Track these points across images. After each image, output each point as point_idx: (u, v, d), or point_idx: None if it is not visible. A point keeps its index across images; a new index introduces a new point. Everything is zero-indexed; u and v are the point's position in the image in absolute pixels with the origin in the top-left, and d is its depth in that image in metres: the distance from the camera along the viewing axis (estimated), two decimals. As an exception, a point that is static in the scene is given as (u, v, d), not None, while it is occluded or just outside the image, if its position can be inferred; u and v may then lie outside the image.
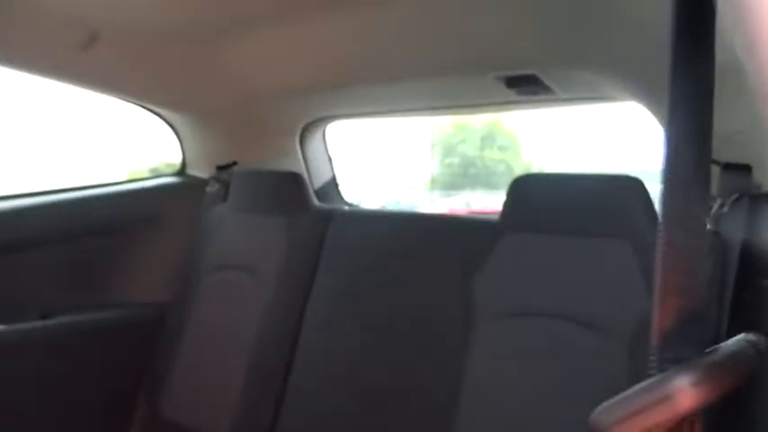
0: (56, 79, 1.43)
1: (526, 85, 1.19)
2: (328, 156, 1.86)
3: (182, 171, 1.82)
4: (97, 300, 1.62)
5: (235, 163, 1.76)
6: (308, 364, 1.35)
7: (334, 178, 1.86)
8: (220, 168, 1.77)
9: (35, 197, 1.57)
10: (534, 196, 1.15)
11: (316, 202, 1.56)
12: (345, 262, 1.39)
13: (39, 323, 1.50)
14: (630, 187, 1.04)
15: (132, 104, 1.65)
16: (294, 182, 1.53)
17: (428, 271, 1.23)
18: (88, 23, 1.23)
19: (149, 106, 1.67)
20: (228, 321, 1.51)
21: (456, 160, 8.48)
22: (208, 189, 1.74)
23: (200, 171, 1.80)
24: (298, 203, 1.51)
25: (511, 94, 1.24)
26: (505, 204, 1.18)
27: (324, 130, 1.82)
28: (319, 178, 1.83)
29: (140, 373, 1.62)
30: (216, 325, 1.53)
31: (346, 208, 1.50)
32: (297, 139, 1.78)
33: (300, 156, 1.79)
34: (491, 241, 1.16)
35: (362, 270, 1.35)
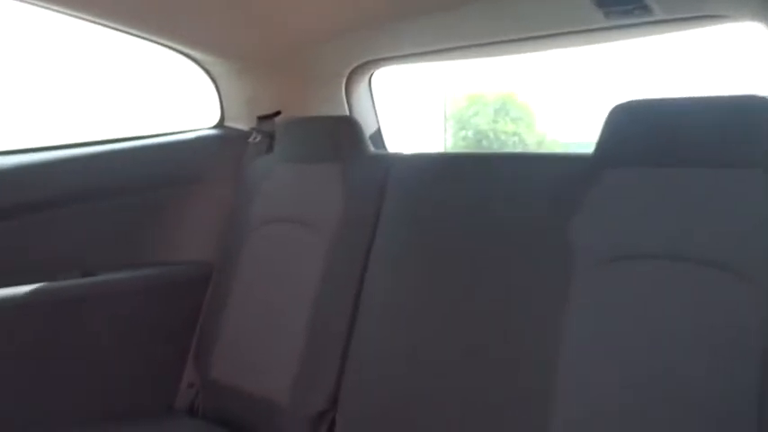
0: (94, 19, 1.33)
1: (617, 3, 1.06)
2: (374, 105, 1.75)
3: (221, 123, 1.72)
4: (140, 258, 1.55)
5: (278, 113, 1.66)
6: (374, 323, 1.25)
7: (379, 129, 1.76)
8: (262, 119, 1.67)
9: (73, 149, 1.49)
10: (639, 125, 1.02)
11: (371, 148, 1.45)
12: (412, 211, 1.28)
13: (81, 280, 1.42)
14: (759, 108, 0.92)
15: (170, 51, 1.54)
16: (349, 126, 1.43)
17: (511, 218, 1.12)
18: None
19: (187, 51, 1.56)
20: (282, 278, 1.42)
21: (469, 133, 8.36)
22: (250, 141, 1.65)
23: (239, 123, 1.70)
24: (353, 149, 1.41)
25: (599, 16, 1.12)
26: (603, 137, 1.06)
27: (370, 78, 1.71)
28: (365, 128, 1.72)
29: (188, 334, 1.54)
30: (268, 282, 1.44)
31: (408, 153, 1.39)
32: (342, 86, 1.68)
33: (346, 104, 1.69)
34: (588, 179, 1.04)
35: (432, 219, 1.23)
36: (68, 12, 1.31)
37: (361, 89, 1.71)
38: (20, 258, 1.39)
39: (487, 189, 1.18)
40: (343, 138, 1.42)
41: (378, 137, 1.74)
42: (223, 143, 1.68)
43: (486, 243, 1.15)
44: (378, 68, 1.68)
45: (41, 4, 1.26)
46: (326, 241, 1.37)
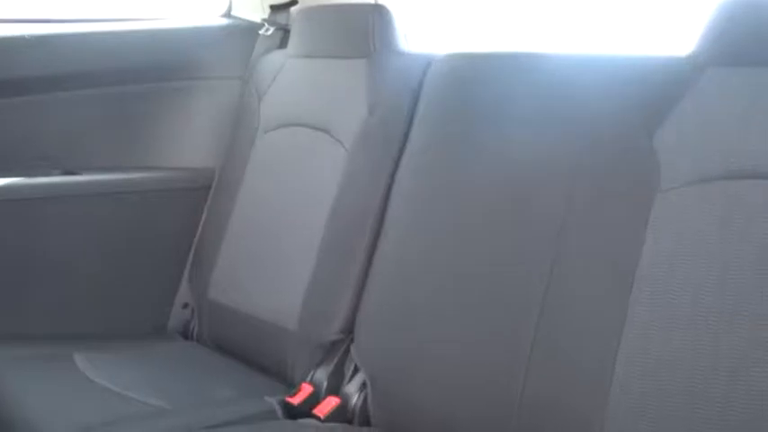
0: None
1: None
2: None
3: (228, 12, 1.53)
4: (132, 160, 1.40)
5: (293, 2, 1.46)
6: (398, 246, 1.10)
7: (416, 22, 1.53)
8: (275, 8, 1.48)
9: (58, 25, 1.32)
10: (758, 17, 0.83)
11: (406, 44, 1.25)
12: (454, 123, 1.09)
13: (61, 178, 1.28)
14: None
15: None
16: (379, 16, 1.23)
17: (582, 130, 0.94)
18: None
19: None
20: (294, 190, 1.26)
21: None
22: (261, 33, 1.47)
23: (250, 13, 1.51)
24: (383, 44, 1.22)
25: None
26: (706, 30, 0.88)
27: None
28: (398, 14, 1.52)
29: (184, 249, 1.42)
30: (278, 194, 1.29)
31: (449, 51, 1.19)
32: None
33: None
34: (682, 82, 0.87)
35: (478, 131, 1.06)
36: None
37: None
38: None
39: (553, 96, 1.00)
40: (372, 29, 1.23)
41: (414, 31, 1.52)
42: (230, 35, 1.50)
43: (546, 161, 0.97)
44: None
45: None
46: (347, 150, 1.20)
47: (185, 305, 1.42)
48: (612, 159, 0.91)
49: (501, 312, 0.95)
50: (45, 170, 1.28)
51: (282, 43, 1.45)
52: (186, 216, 1.42)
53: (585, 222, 0.90)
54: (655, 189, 0.85)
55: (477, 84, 1.09)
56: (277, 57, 1.41)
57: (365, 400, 1.08)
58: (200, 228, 1.43)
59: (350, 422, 1.08)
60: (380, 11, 1.24)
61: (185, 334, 1.40)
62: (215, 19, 1.52)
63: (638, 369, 0.80)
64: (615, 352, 0.82)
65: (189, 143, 1.44)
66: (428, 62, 1.16)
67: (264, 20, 1.49)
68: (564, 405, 0.85)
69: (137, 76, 1.39)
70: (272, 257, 1.26)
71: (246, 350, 1.26)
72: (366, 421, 1.08)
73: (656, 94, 0.89)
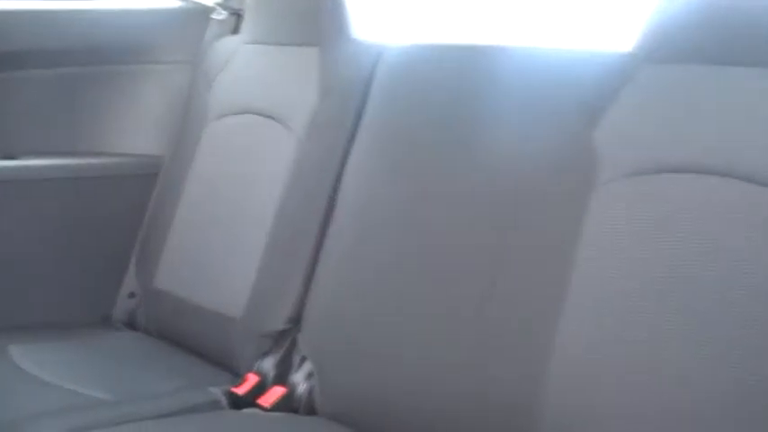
0: None
1: None
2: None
3: (178, -3, 1.51)
4: (76, 146, 1.36)
5: (248, -13, 1.44)
6: (346, 237, 1.10)
7: (371, 13, 1.53)
8: (229, -7, 1.46)
9: None
10: (693, 16, 0.86)
11: (359, 33, 1.25)
12: (403, 113, 1.10)
13: (2, 163, 1.24)
14: None
15: None
16: (331, 3, 1.22)
17: (526, 122, 0.96)
18: None
19: None
20: (243, 179, 1.25)
21: None
22: (213, 17, 1.44)
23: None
24: (336, 31, 1.21)
25: None
26: (644, 29, 0.90)
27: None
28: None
29: (130, 237, 1.39)
30: (227, 182, 1.27)
31: (402, 42, 1.19)
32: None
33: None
34: (620, 78, 0.89)
35: (425, 124, 1.06)
36: None
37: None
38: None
39: (497, 88, 1.01)
40: (325, 17, 1.22)
41: (368, 21, 1.52)
42: (181, 19, 1.46)
43: (490, 152, 0.98)
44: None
45: None
46: (297, 138, 1.19)
47: (131, 294, 1.39)
48: (554, 151, 0.92)
49: (447, 301, 0.96)
50: None
51: (235, 28, 1.42)
52: (133, 204, 1.39)
53: (530, 211, 0.92)
54: (594, 182, 0.87)
55: (425, 74, 1.10)
56: (229, 42, 1.38)
57: (311, 389, 1.08)
58: (147, 216, 1.40)
59: (296, 411, 1.08)
60: (334, 4, 1.23)
61: (131, 324, 1.37)
62: (166, 1, 1.48)
63: (575, 349, 0.83)
64: (554, 333, 0.84)
65: (137, 129, 1.41)
66: (380, 51, 1.16)
67: (218, 4, 1.45)
68: (505, 386, 0.87)
69: (82, 58, 1.35)
70: (221, 246, 1.24)
71: (193, 340, 1.24)
72: (312, 410, 1.07)
73: (597, 90, 0.91)
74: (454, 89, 1.06)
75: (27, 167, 1.26)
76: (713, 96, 0.83)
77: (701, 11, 0.87)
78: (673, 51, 0.87)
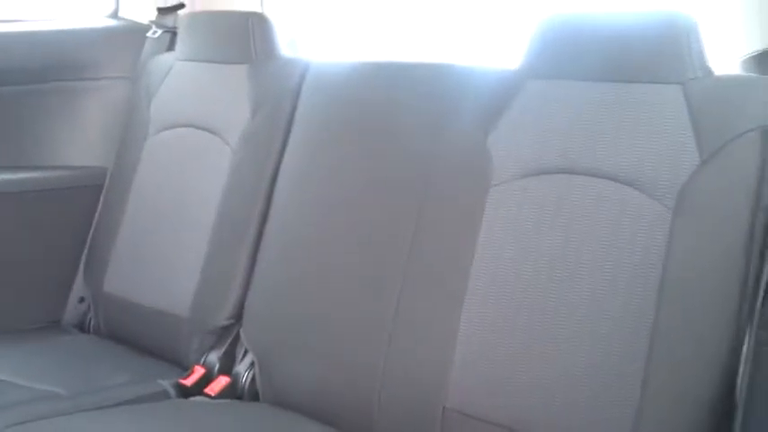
0: None
1: None
2: (290, 4, 1.61)
3: (116, 14, 1.55)
4: (24, 160, 1.41)
5: (181, 5, 1.51)
6: (281, 237, 1.19)
7: (296, 31, 1.63)
8: (162, 11, 1.52)
9: None
10: (563, 39, 1.00)
11: (285, 50, 1.34)
12: (325, 123, 1.20)
13: None
14: (682, 26, 0.91)
15: None
16: (258, 23, 1.31)
17: (433, 130, 1.07)
18: None
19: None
20: (184, 187, 1.32)
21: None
22: (149, 35, 1.50)
23: (137, 15, 1.54)
24: (264, 50, 1.30)
25: None
26: (528, 49, 1.03)
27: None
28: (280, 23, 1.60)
29: (78, 245, 1.44)
30: (168, 191, 1.34)
31: (323, 59, 1.29)
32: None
33: (259, 1, 1.55)
34: (509, 92, 1.02)
35: (346, 132, 1.17)
36: None
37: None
38: None
39: (410, 98, 1.13)
40: (253, 36, 1.31)
41: (295, 40, 1.61)
42: (118, 36, 1.52)
43: (403, 157, 1.10)
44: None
45: None
46: (232, 149, 1.28)
47: (81, 299, 1.44)
48: (455, 155, 1.04)
49: (367, 290, 1.07)
50: None
51: (170, 45, 1.48)
52: (80, 213, 1.44)
53: (437, 205, 1.04)
54: (488, 184, 1.00)
55: (345, 88, 1.20)
56: (165, 59, 1.44)
57: (254, 378, 1.17)
58: (93, 224, 1.45)
59: (240, 398, 1.18)
60: (260, 19, 1.31)
61: (81, 327, 1.43)
62: (102, 20, 1.53)
63: (477, 328, 0.96)
64: (460, 314, 0.97)
65: (81, 142, 1.46)
66: (305, 67, 1.26)
67: (152, 22, 1.52)
68: (421, 362, 0.99)
69: (25, 77, 1.39)
70: (166, 250, 1.31)
71: (142, 339, 1.31)
72: (255, 397, 1.17)
73: (490, 103, 1.03)
74: (370, 100, 1.17)
75: None
76: (583, 108, 0.96)
77: (574, 30, 1.00)
78: (550, 69, 1.01)
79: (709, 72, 0.91)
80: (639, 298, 0.86)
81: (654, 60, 0.92)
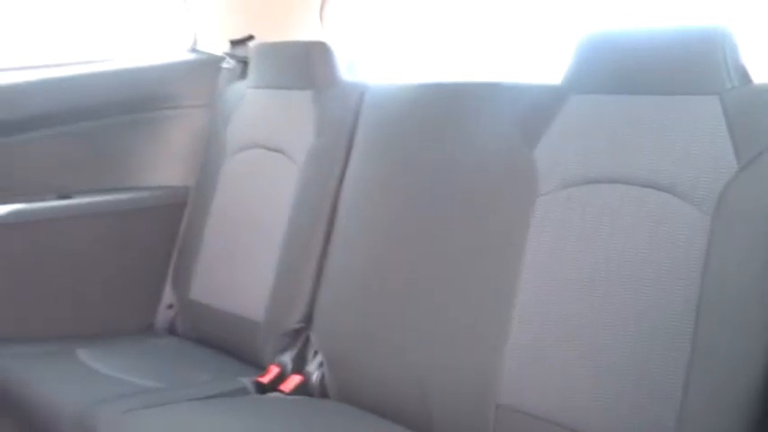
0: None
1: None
2: (352, 30, 1.73)
3: (194, 47, 1.70)
4: (117, 182, 1.57)
5: (251, 37, 1.64)
6: (346, 246, 1.30)
7: (357, 55, 1.74)
8: (235, 43, 1.65)
9: (48, 70, 1.49)
10: (604, 54, 1.05)
11: (345, 75, 1.45)
12: (383, 139, 1.30)
13: (57, 202, 1.45)
14: (718, 38, 0.95)
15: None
16: (320, 52, 1.42)
17: (481, 144, 1.15)
18: None
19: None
20: (257, 202, 1.45)
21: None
22: (224, 66, 1.64)
23: (212, 47, 1.69)
24: (326, 76, 1.41)
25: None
26: (570, 64, 1.08)
27: (347, 2, 1.69)
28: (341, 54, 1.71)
29: (167, 257, 1.59)
30: (244, 206, 1.48)
31: (381, 82, 1.39)
32: (318, 9, 1.65)
33: (322, 29, 1.67)
34: (553, 106, 1.07)
35: (403, 147, 1.26)
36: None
37: (337, 13, 1.68)
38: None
39: (462, 116, 1.21)
40: (316, 64, 1.42)
41: (354, 62, 1.73)
42: (196, 68, 1.67)
43: (455, 170, 1.18)
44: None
45: None
46: (299, 167, 1.40)
47: (170, 306, 1.59)
48: (503, 167, 1.11)
49: (424, 294, 1.15)
50: (42, 195, 1.45)
51: (242, 74, 1.61)
52: (167, 228, 1.59)
53: (487, 215, 1.11)
54: (535, 193, 1.06)
55: (398, 109, 1.30)
56: (238, 87, 1.57)
57: (323, 376, 1.28)
58: (179, 238, 1.60)
59: (311, 395, 1.28)
60: (322, 47, 1.43)
61: (171, 330, 1.58)
62: (181, 54, 1.68)
63: (527, 330, 1.02)
64: (511, 315, 1.03)
65: (166, 165, 1.61)
66: (363, 91, 1.36)
67: (226, 53, 1.65)
68: (475, 359, 1.06)
69: (117, 109, 1.55)
70: (242, 261, 1.44)
71: (223, 341, 1.44)
72: (324, 394, 1.28)
73: (535, 117, 1.10)
74: (422, 118, 1.26)
75: (80, 204, 1.47)
76: (624, 120, 1.01)
77: (614, 45, 1.05)
78: (591, 83, 1.06)
79: (746, 81, 0.94)
80: (680, 303, 0.89)
81: (691, 72, 0.96)
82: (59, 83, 1.48)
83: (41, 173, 1.47)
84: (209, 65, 1.65)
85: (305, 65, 1.43)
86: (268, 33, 1.64)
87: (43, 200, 1.44)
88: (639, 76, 1.01)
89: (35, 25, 1.63)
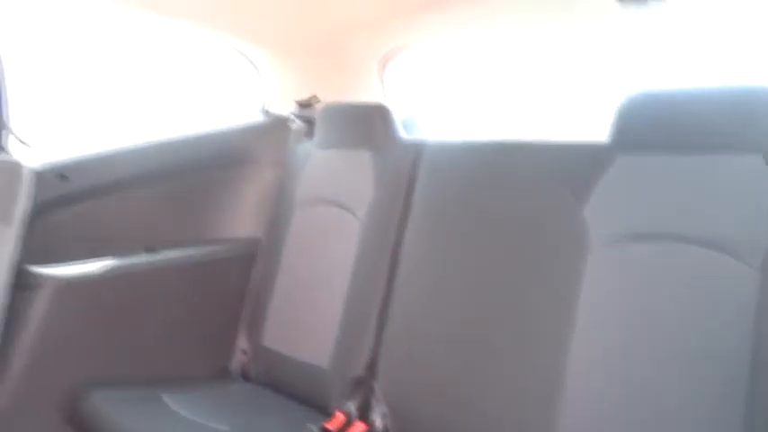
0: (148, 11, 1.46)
1: None
2: (410, 87, 1.82)
3: (264, 109, 1.83)
4: (197, 233, 1.70)
5: (315, 98, 1.76)
6: (406, 298, 1.36)
7: (413, 113, 1.83)
8: (301, 105, 1.77)
9: (142, 141, 1.66)
10: (649, 114, 1.08)
11: (403, 134, 1.54)
12: (440, 197, 1.37)
13: (145, 256, 1.59)
14: (759, 98, 0.97)
15: (215, 40, 1.66)
16: (380, 114, 1.51)
17: (532, 202, 1.20)
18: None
19: (233, 40, 1.67)
20: (323, 254, 1.54)
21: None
22: (293, 127, 1.76)
23: (280, 107, 1.81)
24: (385, 136, 1.50)
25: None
26: (616, 124, 1.12)
27: (405, 60, 1.78)
28: (399, 112, 1.80)
29: (240, 305, 1.69)
30: (310, 258, 1.57)
31: (436, 140, 1.47)
32: (377, 71, 1.75)
33: (381, 88, 1.77)
34: (601, 165, 1.11)
35: (458, 204, 1.32)
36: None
37: (395, 74, 1.78)
38: (94, 235, 1.57)
39: (513, 174, 1.26)
40: (376, 125, 1.51)
41: (411, 120, 1.81)
42: (267, 129, 1.79)
43: (509, 225, 1.23)
44: (412, 54, 1.74)
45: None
46: (361, 222, 1.48)
47: (243, 352, 1.67)
48: (555, 224, 1.15)
49: (482, 346, 1.20)
50: (131, 249, 1.59)
51: (309, 133, 1.73)
52: (241, 277, 1.69)
53: (542, 269, 1.15)
54: (587, 250, 1.09)
55: (453, 167, 1.37)
56: (306, 146, 1.69)
57: (386, 425, 1.32)
58: (252, 286, 1.70)
59: (375, 443, 1.33)
60: (381, 110, 1.52)
61: (244, 375, 1.66)
62: (253, 115, 1.82)
63: (583, 376, 1.05)
64: (566, 362, 1.06)
65: (240, 218, 1.73)
66: (420, 149, 1.44)
67: (293, 114, 1.78)
68: (531, 410, 1.09)
69: (198, 169, 1.70)
70: (309, 310, 1.52)
71: (293, 387, 1.52)
72: (388, 442, 1.32)
73: (583, 176, 1.14)
74: (477, 176, 1.32)
75: (164, 258, 1.60)
76: (671, 179, 1.04)
77: (659, 104, 1.09)
78: (638, 143, 1.09)
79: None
80: (733, 360, 0.90)
81: (735, 132, 0.98)
82: (149, 149, 1.65)
83: (131, 229, 1.62)
84: (278, 125, 1.78)
85: (366, 126, 1.53)
86: (330, 92, 1.76)
87: (132, 254, 1.58)
88: (684, 135, 1.04)
89: (130, 100, 1.82)
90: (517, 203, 1.23)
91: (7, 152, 1.18)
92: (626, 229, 1.06)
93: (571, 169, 1.16)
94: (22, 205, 1.20)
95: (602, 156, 1.12)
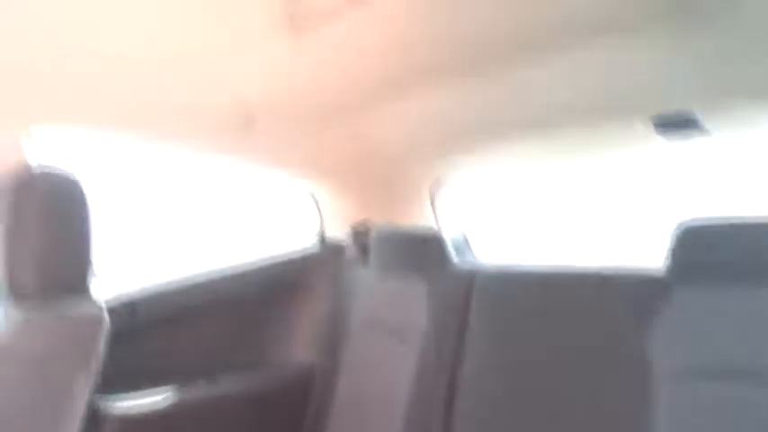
0: (220, 157, 1.58)
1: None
2: (461, 212, 1.87)
3: (321, 236, 1.92)
4: (254, 358, 1.75)
5: (370, 224, 1.83)
6: (464, 428, 1.34)
7: (466, 237, 1.87)
8: (357, 232, 1.85)
9: (198, 273, 1.74)
10: (706, 244, 1.08)
11: (455, 259, 1.56)
12: (495, 323, 1.37)
13: (205, 386, 1.62)
14: None
15: (277, 178, 1.77)
16: (433, 242, 1.56)
17: (592, 331, 1.19)
18: (246, 106, 1.36)
19: (294, 176, 1.78)
20: (378, 384, 1.54)
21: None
22: (348, 253, 1.83)
23: (334, 232, 1.90)
24: (437, 264, 1.54)
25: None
26: (672, 255, 1.12)
27: (457, 186, 1.84)
28: (451, 235, 1.84)
29: (299, 429, 1.69)
30: (365, 386, 1.57)
31: (490, 266, 1.49)
32: (430, 197, 1.82)
33: (434, 214, 1.82)
34: (659, 297, 1.11)
35: (514, 332, 1.33)
36: (197, 153, 1.57)
37: (448, 200, 1.84)
38: (157, 363, 1.62)
39: (569, 303, 1.26)
40: (429, 253, 1.56)
41: (464, 243, 1.84)
42: (324, 255, 1.88)
43: (568, 357, 1.21)
44: (464, 179, 1.80)
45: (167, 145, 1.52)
46: (416, 350, 1.48)
47: None
48: (617, 357, 1.13)
49: None
50: (191, 378, 1.62)
51: (364, 257, 1.78)
52: (297, 401, 1.69)
53: (604, 409, 1.12)
54: (650, 380, 1.07)
55: (510, 297, 1.38)
56: (360, 271, 1.74)
57: None
58: (309, 411, 1.68)
59: None
60: (436, 238, 1.57)
61: None
62: (311, 241, 1.91)
63: None
64: None
65: (296, 344, 1.78)
66: (473, 275, 1.46)
67: (348, 239, 1.85)
68: None
69: (257, 298, 1.77)
70: None
71: None
72: None
73: (641, 308, 1.13)
74: (532, 304, 1.33)
75: (222, 387, 1.63)
76: (733, 314, 1.02)
77: (712, 238, 1.09)
78: (695, 274, 1.09)
79: None
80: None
81: None
82: (212, 281, 1.73)
83: (192, 357, 1.67)
84: (334, 251, 1.85)
85: (419, 252, 1.57)
86: (383, 216, 1.82)
87: (192, 383, 1.61)
88: (741, 266, 1.04)
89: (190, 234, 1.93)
90: (575, 332, 1.22)
91: (91, 297, 1.24)
92: (688, 365, 1.04)
93: (631, 301, 1.16)
94: (98, 353, 1.23)
95: (659, 288, 1.12)
